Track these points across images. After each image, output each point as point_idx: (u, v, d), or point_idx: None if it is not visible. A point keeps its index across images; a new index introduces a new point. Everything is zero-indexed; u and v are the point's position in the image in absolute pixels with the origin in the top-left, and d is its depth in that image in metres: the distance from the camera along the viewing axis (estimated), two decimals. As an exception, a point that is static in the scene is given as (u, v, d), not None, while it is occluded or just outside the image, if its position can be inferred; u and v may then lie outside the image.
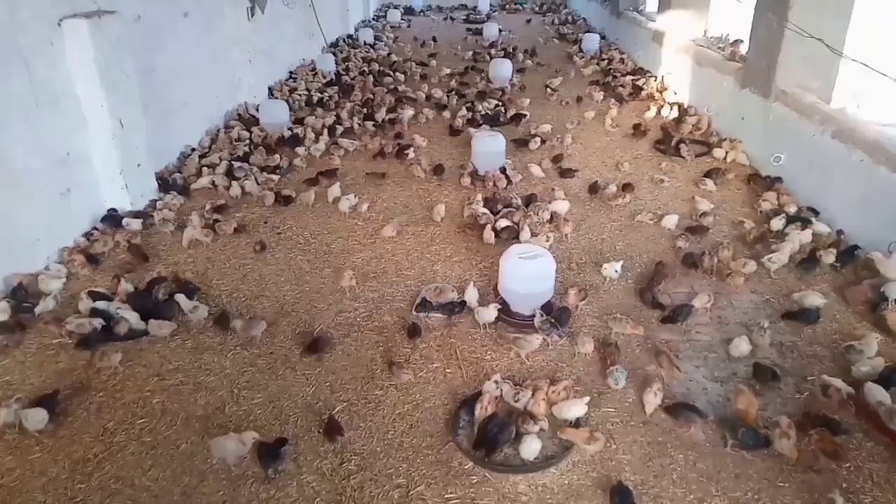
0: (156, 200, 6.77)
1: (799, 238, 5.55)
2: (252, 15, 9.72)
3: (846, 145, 5.87)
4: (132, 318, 4.79)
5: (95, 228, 6.16)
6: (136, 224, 6.24)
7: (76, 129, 5.94)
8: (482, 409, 3.79)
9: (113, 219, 6.26)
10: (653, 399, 3.91)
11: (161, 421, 3.96)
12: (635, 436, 3.79)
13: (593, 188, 6.98)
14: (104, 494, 3.43)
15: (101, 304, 4.90)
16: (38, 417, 3.81)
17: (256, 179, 7.29)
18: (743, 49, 8.66)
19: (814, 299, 4.80)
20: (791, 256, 5.42)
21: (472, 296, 4.85)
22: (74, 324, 4.70)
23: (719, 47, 9.66)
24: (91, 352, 4.47)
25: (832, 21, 6.65)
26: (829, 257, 5.30)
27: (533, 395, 3.87)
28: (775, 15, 7.05)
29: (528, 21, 20.16)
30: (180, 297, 4.86)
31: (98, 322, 4.69)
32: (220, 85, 9.31)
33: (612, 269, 5.29)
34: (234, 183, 7.14)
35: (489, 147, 7.37)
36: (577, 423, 3.79)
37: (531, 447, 3.54)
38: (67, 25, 5.69)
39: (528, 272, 4.63)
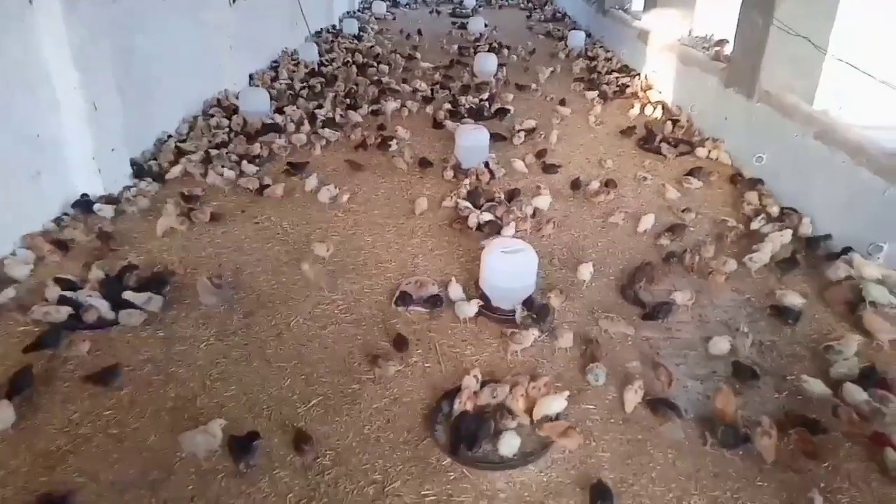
0: (130, 187, 6.59)
1: (780, 238, 5.56)
2: (234, 1, 9.52)
3: (829, 147, 5.89)
4: (102, 306, 4.65)
5: (66, 214, 5.97)
6: (108, 210, 6.07)
7: (48, 110, 5.74)
8: (461, 404, 3.72)
9: (85, 204, 6.08)
10: (633, 397, 3.87)
11: (129, 413, 3.83)
12: (615, 433, 3.75)
13: (576, 184, 6.95)
14: (67, 488, 3.30)
15: (69, 293, 4.74)
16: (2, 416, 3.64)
17: (234, 168, 7.13)
18: (728, 49, 8.69)
19: (793, 299, 4.81)
20: (772, 256, 5.43)
21: (455, 292, 4.77)
22: (40, 312, 4.55)
23: (704, 47, 9.68)
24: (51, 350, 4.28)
25: (817, 21, 6.67)
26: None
27: (511, 390, 3.81)
28: (760, 15, 7.06)
29: (529, 20, 20.08)
30: (128, 294, 4.69)
31: (65, 311, 4.52)
32: (200, 71, 9.10)
33: (586, 271, 5.15)
34: (211, 171, 6.97)
35: (473, 141, 7.30)
36: (555, 419, 3.74)
37: (510, 443, 3.48)
38: (39, 3, 5.48)
39: (510, 267, 4.56)
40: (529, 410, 3.75)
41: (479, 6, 21.61)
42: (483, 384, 3.93)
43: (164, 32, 7.88)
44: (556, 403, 3.73)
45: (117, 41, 6.66)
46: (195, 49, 8.91)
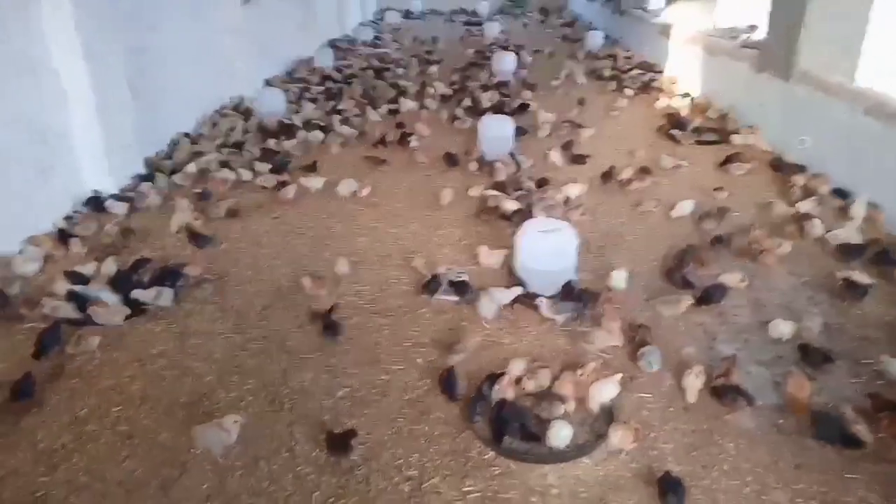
0: (143, 180, 6.34)
1: (861, 214, 5.24)
2: (246, 1, 9.37)
3: (882, 121, 5.49)
4: (112, 300, 4.36)
5: (77, 212, 5.73)
6: (121, 207, 5.83)
7: (55, 103, 5.54)
8: (500, 391, 3.35)
9: (96, 202, 5.84)
10: (694, 382, 3.48)
11: (140, 409, 3.51)
12: (676, 423, 3.36)
13: (608, 174, 6.57)
14: (70, 488, 2.98)
15: (78, 288, 4.46)
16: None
17: (250, 167, 6.87)
18: (758, 35, 8.35)
19: (861, 277, 4.40)
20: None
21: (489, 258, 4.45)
22: (49, 306, 4.27)
23: (732, 37, 9.33)
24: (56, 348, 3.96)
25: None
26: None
27: (557, 377, 3.44)
28: (797, -8, 6.72)
29: (525, 25, 19.88)
30: (137, 292, 4.40)
31: (69, 307, 4.24)
32: (214, 74, 8.93)
33: (620, 277, 4.53)
34: (226, 169, 6.73)
35: (497, 131, 6.99)
36: (610, 412, 3.35)
37: (561, 433, 3.10)
38: (48, -8, 5.31)
39: (547, 248, 4.20)
40: (579, 399, 3.37)
41: (495, 16, 21.46)
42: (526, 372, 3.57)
43: (177, 33, 7.72)
44: (608, 389, 3.35)
45: (128, 38, 6.48)
46: (209, 51, 8.75)
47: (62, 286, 4.48)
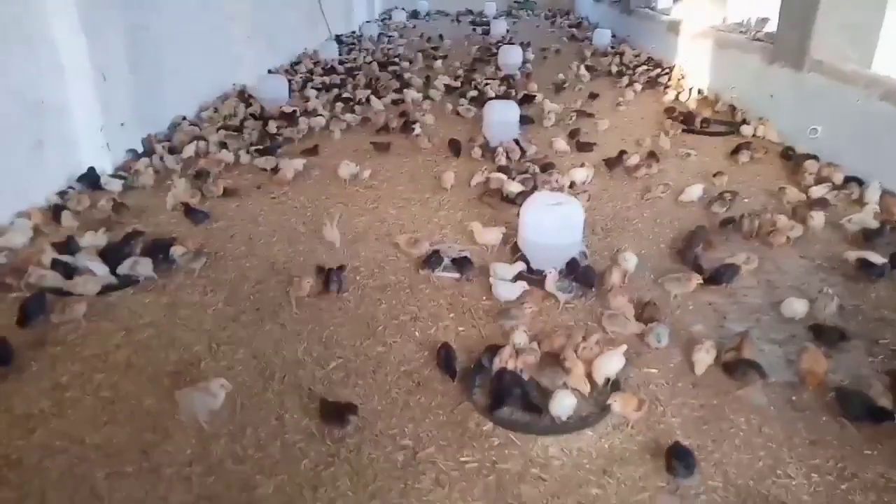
0: (140, 157, 6.22)
1: (875, 201, 5.09)
2: (252, -12, 9.30)
3: (898, 106, 5.35)
4: (100, 270, 4.22)
5: (71, 188, 5.61)
6: (116, 184, 5.70)
7: (52, 76, 5.42)
8: (501, 362, 3.19)
9: (91, 178, 5.71)
10: (704, 357, 3.32)
11: (124, 376, 3.36)
12: (685, 398, 3.20)
13: (616, 159, 6.41)
14: (45, 452, 2.83)
15: (66, 258, 4.33)
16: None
17: (249, 150, 6.74)
18: (769, 27, 8.22)
19: (875, 258, 4.23)
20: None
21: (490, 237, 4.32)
22: (35, 275, 4.13)
23: (742, 31, 9.21)
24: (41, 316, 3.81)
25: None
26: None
27: (562, 348, 3.28)
28: (810, -21, 6.58)
29: (538, 27, 19.81)
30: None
31: (56, 276, 4.11)
32: (216, 59, 8.84)
33: (631, 260, 4.32)
34: (225, 151, 6.61)
35: (503, 116, 6.86)
36: (616, 384, 3.19)
37: (564, 403, 2.94)
38: (44, -40, 5.20)
39: (554, 221, 4.05)
40: (583, 373, 3.21)
41: (500, 17, 21.40)
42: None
43: (180, 15, 7.62)
44: (614, 362, 3.19)
45: (129, 15, 6.38)
46: (213, 37, 8.67)
47: (49, 256, 4.34)
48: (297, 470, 2.75)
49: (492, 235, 4.63)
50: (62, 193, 5.49)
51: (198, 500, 2.60)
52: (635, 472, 2.74)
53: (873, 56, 6.41)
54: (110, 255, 4.43)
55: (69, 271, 4.21)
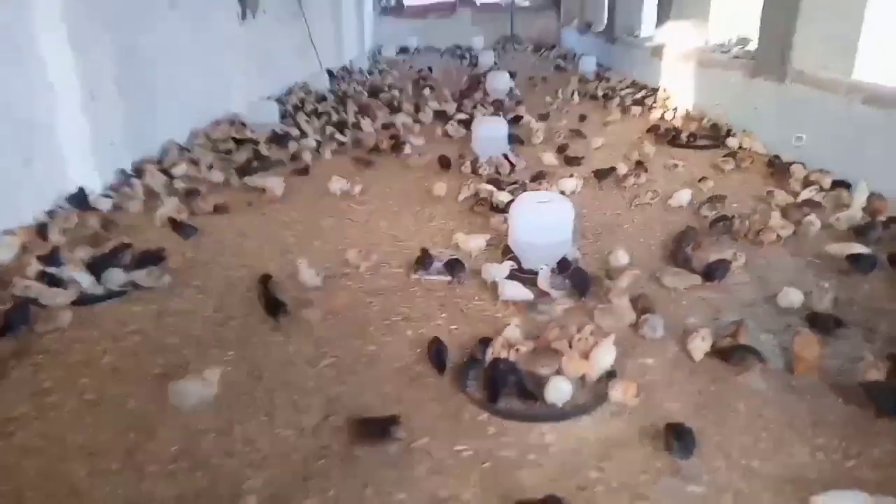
0: (129, 179, 6.21)
1: (863, 200, 5.12)
2: (243, 17, 9.46)
3: (882, 109, 5.44)
4: (86, 281, 4.16)
5: (60, 207, 5.56)
6: (105, 203, 5.67)
7: (41, 94, 5.41)
8: (494, 353, 3.14)
9: (80, 198, 5.67)
10: (701, 345, 3.28)
11: (110, 380, 3.28)
12: (682, 385, 3.15)
13: (604, 172, 6.43)
14: (23, 453, 2.73)
15: (52, 269, 4.27)
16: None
17: (240, 171, 6.75)
18: (751, 46, 8.42)
19: (853, 248, 4.25)
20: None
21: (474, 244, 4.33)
22: (20, 286, 4.06)
23: (724, 51, 9.42)
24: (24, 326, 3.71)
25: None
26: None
27: (558, 335, 3.23)
28: (788, -7, 6.78)
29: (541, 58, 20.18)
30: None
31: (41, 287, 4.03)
32: (207, 86, 8.89)
33: (623, 257, 4.36)
34: (216, 170, 6.62)
35: (492, 131, 6.94)
36: (612, 373, 3.13)
37: (560, 389, 2.88)
38: (34, -23, 5.26)
39: (544, 219, 4.05)
40: (579, 362, 3.15)
41: (488, 49, 21.82)
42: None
43: (171, 39, 7.70)
44: (607, 354, 3.13)
45: (119, 35, 6.42)
46: (205, 63, 8.74)
47: (35, 268, 4.28)
48: (287, 463, 2.66)
49: (476, 243, 4.60)
50: (50, 212, 5.44)
51: (183, 495, 2.51)
52: (635, 455, 2.66)
53: (853, 65, 6.54)
54: (98, 267, 4.37)
55: (55, 282, 4.15)
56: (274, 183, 6.14)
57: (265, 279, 4.10)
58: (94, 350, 3.55)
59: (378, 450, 2.72)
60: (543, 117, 9.33)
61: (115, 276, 4.19)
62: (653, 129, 8.41)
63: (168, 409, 3.00)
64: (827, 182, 5.75)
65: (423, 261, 4.27)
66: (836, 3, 6.42)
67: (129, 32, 6.75)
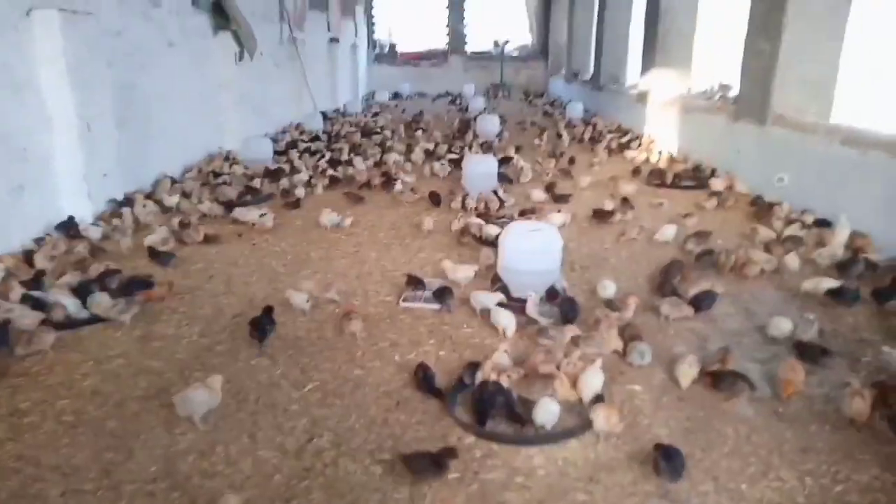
0: (120, 208, 6.22)
1: (845, 236, 5.22)
2: (240, 59, 9.66)
3: (859, 150, 5.61)
4: (71, 304, 4.13)
5: (49, 235, 5.54)
6: (95, 232, 5.66)
7: (37, 124, 5.49)
8: (483, 375, 3.12)
9: (69, 226, 5.66)
10: (688, 371, 3.29)
11: (90, 402, 3.22)
12: (671, 411, 3.13)
13: (595, 212, 6.51)
14: (-6, 475, 2.65)
15: (36, 293, 4.23)
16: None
17: (231, 203, 6.79)
18: (732, 93, 8.70)
19: (828, 283, 4.31)
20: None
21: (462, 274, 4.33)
22: (2, 309, 4.01)
23: (707, 98, 9.71)
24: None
25: (827, 43, 6.64)
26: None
27: (544, 357, 3.23)
28: (767, 41, 7.05)
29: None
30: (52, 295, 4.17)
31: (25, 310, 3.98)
32: (202, 124, 9.04)
33: (610, 287, 4.37)
34: (207, 201, 6.65)
35: (481, 168, 7.05)
36: (600, 397, 3.12)
37: (548, 410, 2.86)
38: (38, 16, 5.39)
39: (532, 246, 4.08)
40: (569, 385, 3.13)
41: (478, 95, 22.33)
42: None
43: (168, 78, 7.86)
44: (595, 378, 3.12)
45: (118, 73, 6.57)
46: (200, 101, 8.91)
47: (18, 292, 4.24)
48: (269, 484, 2.60)
49: (463, 273, 4.62)
50: (38, 240, 5.42)
51: (161, 515, 2.44)
52: (623, 478, 2.63)
53: (831, 108, 6.77)
54: (84, 291, 4.34)
55: (39, 306, 4.10)
56: (254, 215, 6.16)
57: (268, 310, 4.01)
58: (76, 373, 3.50)
59: (364, 471, 2.68)
60: (534, 155, 9.50)
61: (101, 301, 4.14)
62: (638, 171, 8.59)
63: (148, 430, 2.95)
64: (809, 220, 5.86)
65: (415, 282, 4.27)
66: (813, 50, 6.67)
67: (129, 69, 6.90)
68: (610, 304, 4.10)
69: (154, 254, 5.17)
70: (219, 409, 3.09)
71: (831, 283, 4.37)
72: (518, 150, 10.08)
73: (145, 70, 7.29)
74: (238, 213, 6.44)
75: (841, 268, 4.78)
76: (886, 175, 5.27)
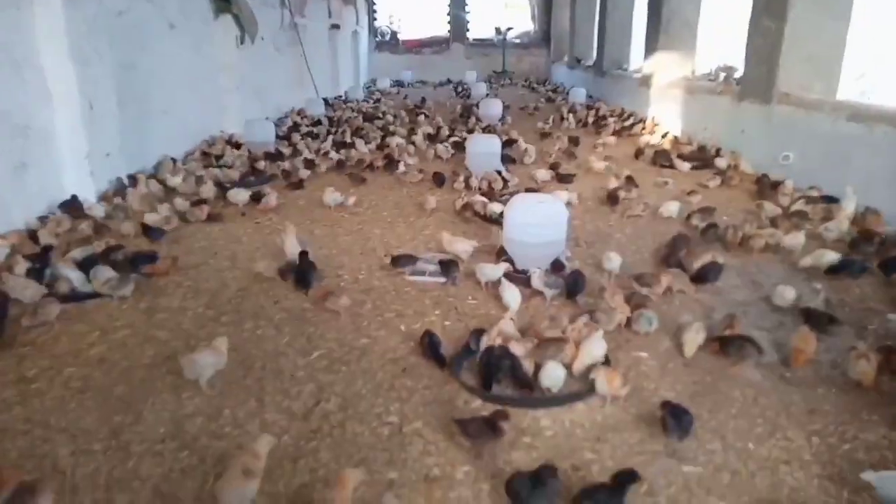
0: (124, 187, 6.22)
1: (847, 214, 5.17)
2: (241, 42, 9.62)
3: (866, 124, 5.57)
4: (76, 278, 4.13)
5: (52, 213, 5.53)
6: (98, 210, 5.66)
7: (39, 101, 5.47)
8: (489, 340, 3.12)
9: (73, 205, 5.65)
10: (694, 338, 3.28)
11: (97, 369, 3.22)
12: (677, 376, 3.13)
13: (609, 196, 6.44)
14: (5, 435, 2.66)
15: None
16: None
17: (234, 183, 6.77)
18: (737, 74, 8.65)
19: (831, 256, 4.29)
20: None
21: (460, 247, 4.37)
22: (9, 283, 4.01)
23: (711, 79, 9.65)
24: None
25: (832, 21, 6.59)
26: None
27: (549, 324, 3.23)
28: (772, 19, 6.99)
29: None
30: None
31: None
32: (203, 105, 9.01)
33: (616, 259, 4.31)
34: (210, 182, 6.63)
35: (485, 147, 7.02)
36: (606, 361, 3.12)
37: (554, 374, 2.86)
38: (39, -8, 5.36)
39: (538, 218, 4.06)
40: (575, 350, 3.13)
41: (481, 81, 22.22)
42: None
43: (169, 59, 7.83)
44: (596, 346, 3.10)
45: (119, 53, 6.53)
46: (201, 83, 8.87)
47: (23, 266, 4.24)
48: (277, 445, 2.60)
49: (462, 246, 4.61)
50: (42, 217, 5.42)
51: (169, 473, 2.44)
52: (630, 438, 2.64)
53: (837, 86, 6.72)
54: (89, 266, 4.33)
55: (43, 279, 4.11)
56: (244, 197, 6.16)
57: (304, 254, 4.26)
58: (82, 343, 3.50)
59: (372, 433, 2.68)
60: (537, 138, 9.47)
61: (98, 275, 4.12)
62: (641, 152, 8.54)
63: (156, 394, 2.95)
64: (815, 195, 5.83)
65: (402, 260, 4.27)
66: (818, 28, 6.62)
67: (130, 49, 6.87)
68: (640, 280, 4.01)
69: (146, 229, 5.17)
70: (225, 376, 3.10)
71: (832, 255, 4.35)
72: (521, 133, 10.05)
73: (146, 51, 7.27)
74: (231, 194, 6.38)
75: (853, 245, 4.74)
76: (893, 147, 5.23)
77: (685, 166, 7.73)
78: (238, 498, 2.19)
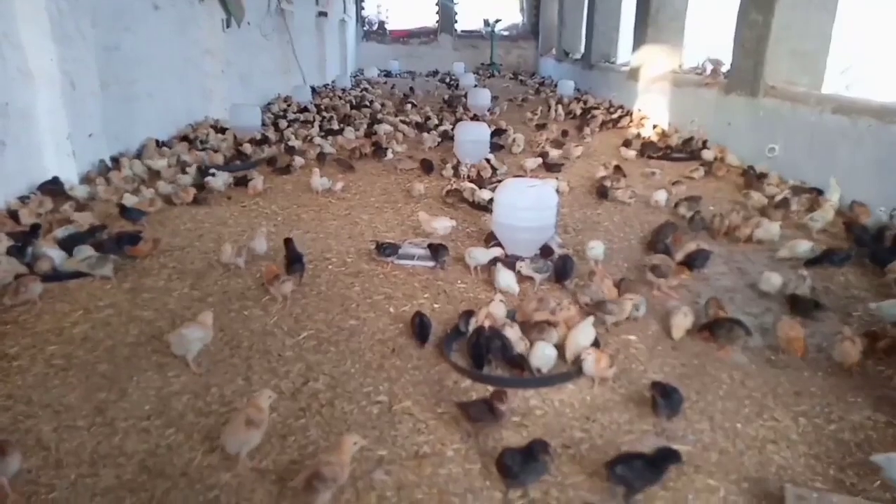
0: (107, 169, 6.11)
1: (832, 204, 5.21)
2: (227, 26, 9.48)
3: (849, 117, 5.63)
4: (58, 256, 4.05)
5: (34, 194, 5.42)
6: (81, 190, 5.55)
7: (19, 80, 5.34)
8: (477, 322, 3.11)
9: (54, 187, 5.53)
10: (682, 321, 3.30)
11: (80, 347, 3.17)
12: (665, 359, 3.15)
13: (597, 186, 6.45)
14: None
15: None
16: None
17: (218, 167, 6.69)
18: (724, 68, 8.70)
19: (804, 247, 4.36)
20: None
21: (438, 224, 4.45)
22: (-15, 261, 3.92)
23: (698, 73, 9.70)
24: None
25: (818, 15, 6.64)
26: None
27: (536, 305, 3.23)
28: (760, 12, 7.03)
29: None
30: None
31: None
32: (188, 89, 8.87)
33: (598, 248, 4.23)
34: (195, 167, 6.53)
35: (474, 135, 7.00)
36: (595, 343, 3.12)
37: (544, 354, 2.86)
38: (18, -33, 5.23)
39: (528, 202, 4.05)
40: (565, 331, 3.13)
41: (469, 72, 22.14)
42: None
43: (153, 41, 7.68)
44: (585, 332, 3.08)
45: (102, 34, 6.40)
46: (186, 67, 8.73)
47: (5, 245, 4.15)
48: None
49: (441, 223, 4.60)
50: (23, 198, 5.31)
51: (156, 449, 2.41)
52: (619, 417, 2.65)
53: (823, 79, 6.80)
54: (71, 245, 4.25)
55: (26, 257, 4.02)
56: (220, 182, 6.08)
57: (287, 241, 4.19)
58: (65, 321, 3.44)
59: (361, 411, 2.67)
60: (525, 129, 9.47)
61: (84, 252, 4.05)
62: (629, 143, 8.57)
63: (141, 372, 2.91)
64: (801, 186, 5.89)
65: (383, 246, 4.24)
66: (805, 22, 6.68)
67: (113, 30, 6.74)
68: (655, 270, 3.96)
69: (124, 210, 5.08)
70: (212, 355, 3.07)
71: (805, 245, 4.40)
72: (509, 124, 10.04)
73: (130, 32, 7.13)
74: (209, 181, 6.26)
75: (860, 241, 4.74)
76: (876, 140, 5.29)
77: (672, 159, 7.77)
78: (242, 445, 2.32)
